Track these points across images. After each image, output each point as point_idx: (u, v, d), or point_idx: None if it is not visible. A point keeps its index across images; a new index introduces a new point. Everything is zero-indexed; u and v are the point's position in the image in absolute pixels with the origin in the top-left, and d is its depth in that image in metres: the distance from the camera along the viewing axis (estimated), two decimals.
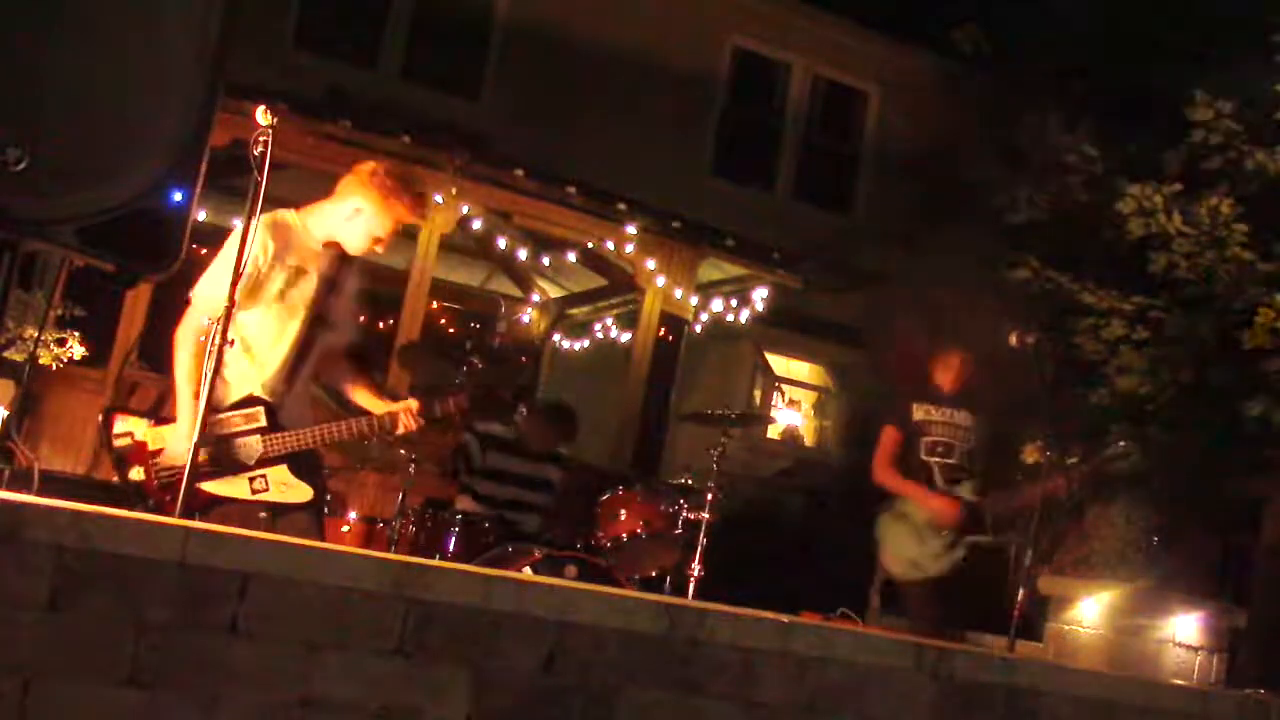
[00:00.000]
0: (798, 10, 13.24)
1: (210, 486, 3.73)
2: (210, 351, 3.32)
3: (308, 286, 3.89)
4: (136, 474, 3.70)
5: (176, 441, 3.68)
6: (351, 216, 3.93)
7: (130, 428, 3.74)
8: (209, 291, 3.69)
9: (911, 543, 5.37)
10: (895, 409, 5.57)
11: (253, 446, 3.78)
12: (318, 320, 3.92)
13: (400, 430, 4.03)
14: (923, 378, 5.64)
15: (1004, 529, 5.40)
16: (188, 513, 3.40)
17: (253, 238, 3.70)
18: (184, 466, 3.34)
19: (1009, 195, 9.51)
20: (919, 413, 5.51)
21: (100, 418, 3.83)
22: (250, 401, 3.81)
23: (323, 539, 3.92)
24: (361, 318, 4.17)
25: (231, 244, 3.62)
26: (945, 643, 3.44)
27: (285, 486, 3.81)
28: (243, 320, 3.78)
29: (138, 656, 2.28)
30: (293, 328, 3.87)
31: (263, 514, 3.79)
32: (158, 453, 3.71)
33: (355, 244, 3.97)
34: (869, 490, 5.63)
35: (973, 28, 10.13)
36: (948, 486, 5.37)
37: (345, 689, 2.43)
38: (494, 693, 2.55)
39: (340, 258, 4.00)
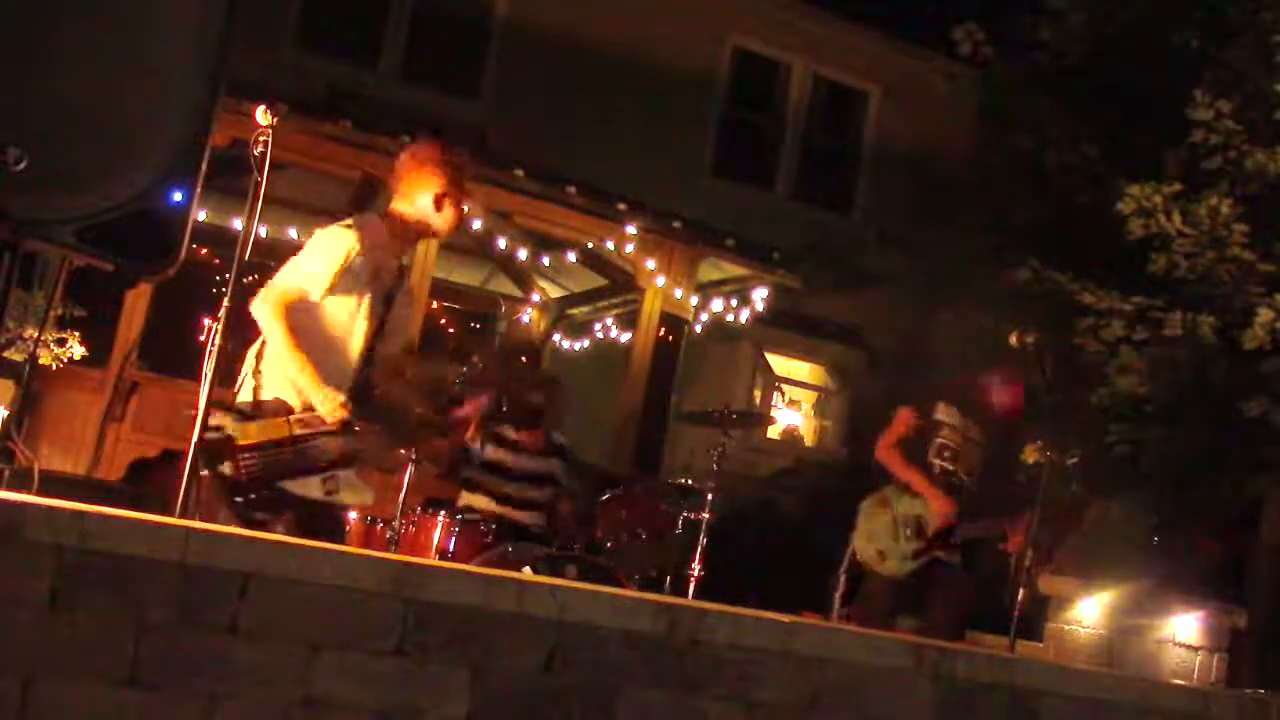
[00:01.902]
0: (798, 10, 13.24)
1: (291, 486, 3.76)
2: (211, 352, 3.33)
3: (388, 296, 4.00)
4: (227, 468, 3.69)
5: (322, 403, 3.75)
6: (429, 203, 4.03)
7: (220, 422, 3.73)
8: (292, 279, 3.84)
9: (886, 534, 5.28)
10: (919, 396, 5.42)
11: (328, 445, 3.81)
12: (380, 328, 4.00)
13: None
14: (972, 392, 5.44)
15: (966, 550, 5.31)
16: (274, 512, 3.55)
17: (335, 239, 3.88)
18: (304, 436, 3.68)
19: (1009, 195, 9.51)
20: (941, 411, 5.36)
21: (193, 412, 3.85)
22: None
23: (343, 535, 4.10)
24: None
25: (323, 241, 3.87)
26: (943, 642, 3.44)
27: (354, 489, 3.86)
28: (330, 313, 3.87)
29: (138, 656, 2.28)
30: (366, 332, 3.94)
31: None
32: (247, 447, 3.71)
33: (440, 225, 4.08)
34: (869, 490, 5.59)
35: (973, 28, 10.12)
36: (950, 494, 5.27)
37: (345, 689, 2.43)
38: (494, 693, 2.55)
39: (401, 270, 4.11)
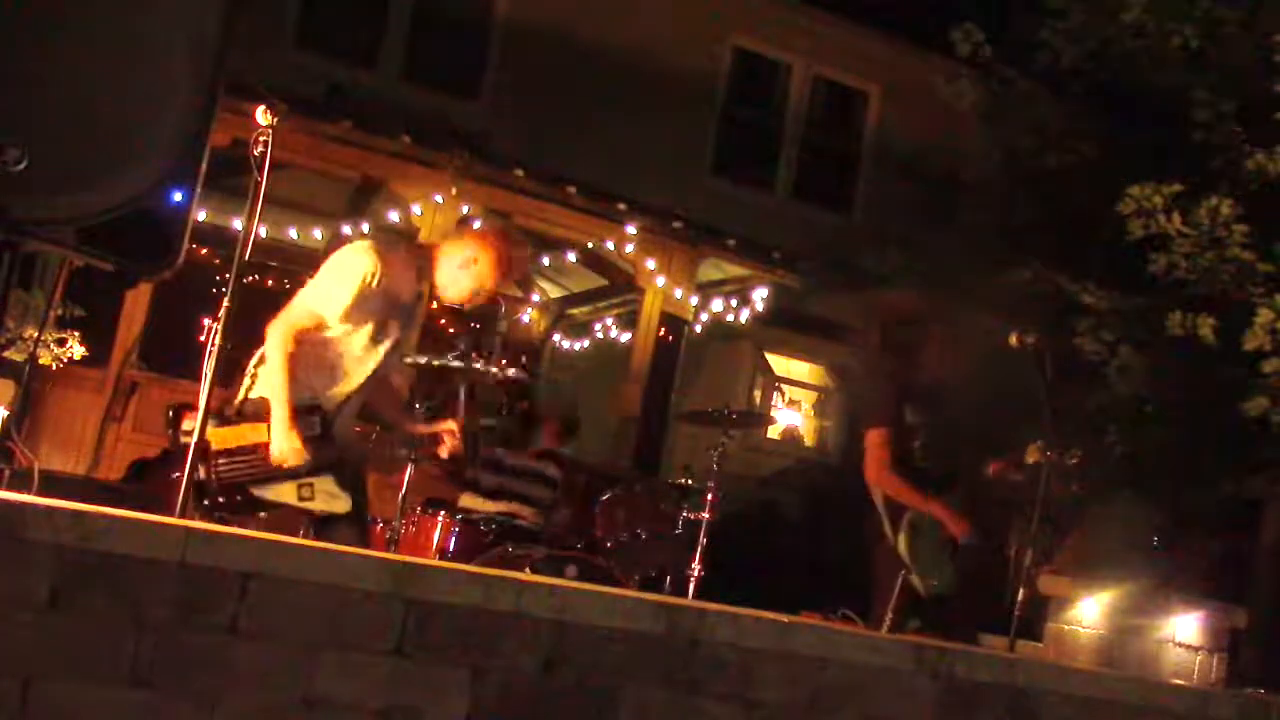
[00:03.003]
0: (798, 10, 13.24)
1: (262, 492, 3.75)
2: (210, 353, 3.32)
3: (402, 320, 3.97)
4: (200, 472, 3.65)
5: (279, 440, 3.72)
6: (465, 265, 4.00)
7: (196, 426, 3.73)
8: (310, 303, 3.81)
9: (934, 558, 5.07)
10: (884, 409, 5.13)
11: (304, 453, 3.79)
12: (394, 349, 4.00)
13: (445, 454, 4.19)
14: (906, 372, 5.20)
15: (992, 533, 5.19)
16: (235, 515, 3.51)
17: (354, 261, 3.84)
18: (278, 465, 3.66)
19: (1009, 195, 9.51)
20: (909, 414, 5.10)
21: (169, 414, 3.80)
22: (310, 409, 3.83)
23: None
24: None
25: (342, 264, 3.83)
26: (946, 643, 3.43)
27: (330, 496, 3.83)
28: (340, 337, 3.85)
29: (138, 656, 2.28)
30: (378, 355, 3.93)
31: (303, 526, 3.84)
32: (221, 452, 3.70)
33: (456, 292, 4.04)
34: (868, 490, 5.55)
35: (972, 28, 10.12)
36: (943, 494, 5.07)
37: (345, 689, 2.43)
38: (494, 693, 2.55)
39: (419, 296, 4.07)
